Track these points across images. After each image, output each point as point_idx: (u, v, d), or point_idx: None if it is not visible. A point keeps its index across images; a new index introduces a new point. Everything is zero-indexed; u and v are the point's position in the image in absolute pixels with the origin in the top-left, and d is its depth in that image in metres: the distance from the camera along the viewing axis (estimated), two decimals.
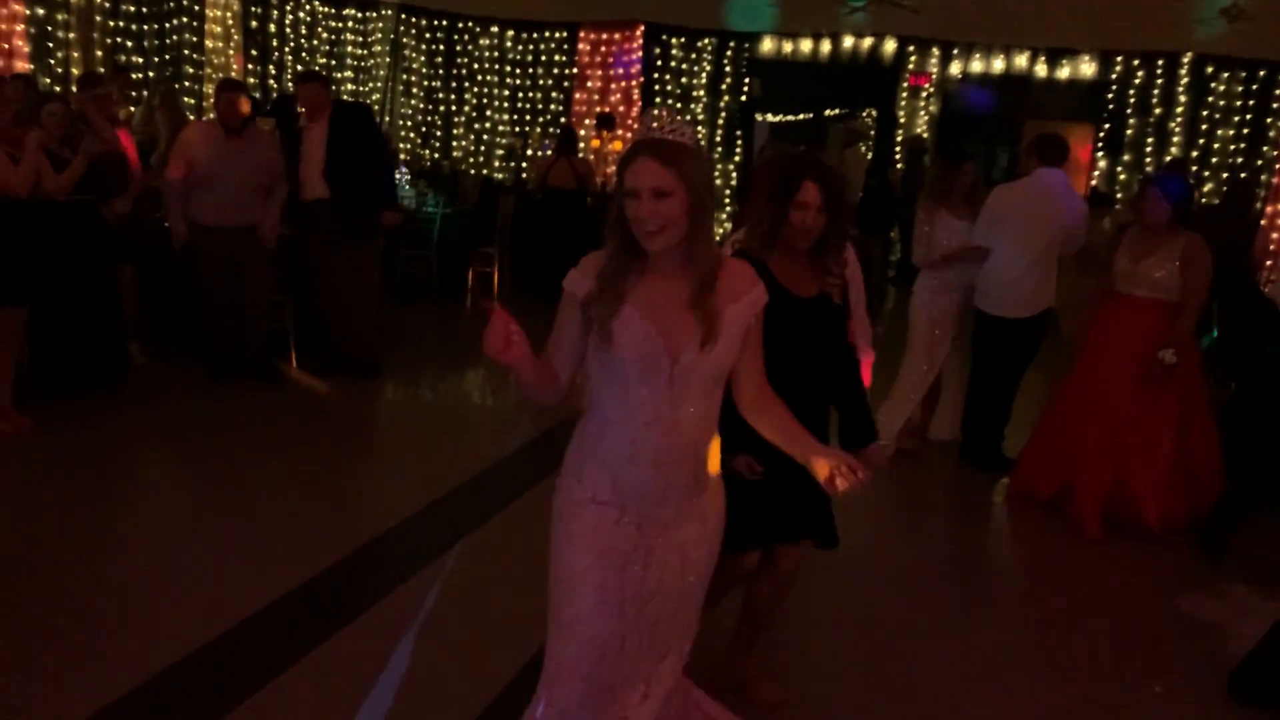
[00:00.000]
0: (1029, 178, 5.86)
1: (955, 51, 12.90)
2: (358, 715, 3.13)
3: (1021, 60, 12.64)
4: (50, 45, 9.74)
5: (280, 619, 3.72)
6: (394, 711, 3.17)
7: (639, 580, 2.30)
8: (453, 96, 14.09)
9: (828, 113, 13.95)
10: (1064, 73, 12.55)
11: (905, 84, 13.19)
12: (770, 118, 14.75)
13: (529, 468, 5.40)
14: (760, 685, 3.34)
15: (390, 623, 3.68)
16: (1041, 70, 12.61)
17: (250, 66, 12.11)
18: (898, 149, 12.97)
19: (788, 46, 13.36)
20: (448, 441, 6.01)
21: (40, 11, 9.60)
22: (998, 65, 12.73)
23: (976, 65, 12.87)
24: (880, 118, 13.63)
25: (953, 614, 4.26)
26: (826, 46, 13.20)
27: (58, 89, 9.21)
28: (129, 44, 10.59)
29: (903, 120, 13.25)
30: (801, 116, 14.54)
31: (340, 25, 13.40)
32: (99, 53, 10.26)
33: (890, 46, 13.03)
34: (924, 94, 13.17)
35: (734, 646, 3.34)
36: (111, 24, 10.42)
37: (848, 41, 13.11)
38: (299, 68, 12.50)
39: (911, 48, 13.04)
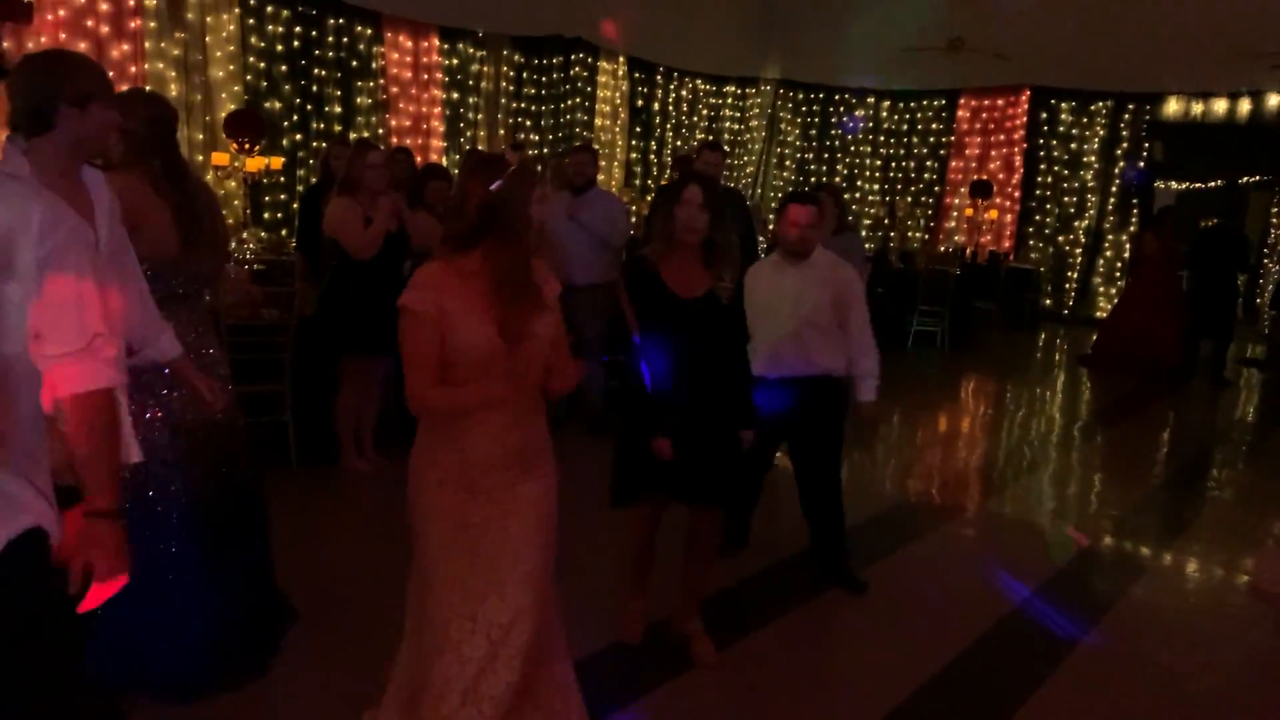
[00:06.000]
0: None
1: None
2: None
3: None
4: (461, 125, 10.91)
5: None
6: None
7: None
8: (824, 167, 14.13)
9: (1244, 180, 12.35)
10: None
11: None
12: (1174, 185, 13.37)
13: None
14: (699, 643, 3.76)
15: None
16: None
17: (634, 143, 12.87)
18: None
19: (1198, 107, 12.07)
20: None
21: (455, 95, 10.80)
22: None
23: None
24: None
25: None
26: (1246, 106, 11.78)
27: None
28: (528, 123, 11.62)
29: None
30: (1213, 184, 13.01)
31: (719, 101, 13.93)
32: (502, 131, 11.35)
33: None
34: None
35: (678, 611, 3.86)
36: (515, 105, 11.50)
37: (1273, 100, 11.61)
38: (678, 143, 13.13)
39: None
